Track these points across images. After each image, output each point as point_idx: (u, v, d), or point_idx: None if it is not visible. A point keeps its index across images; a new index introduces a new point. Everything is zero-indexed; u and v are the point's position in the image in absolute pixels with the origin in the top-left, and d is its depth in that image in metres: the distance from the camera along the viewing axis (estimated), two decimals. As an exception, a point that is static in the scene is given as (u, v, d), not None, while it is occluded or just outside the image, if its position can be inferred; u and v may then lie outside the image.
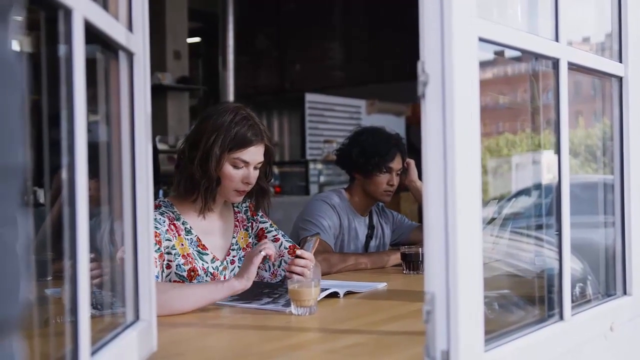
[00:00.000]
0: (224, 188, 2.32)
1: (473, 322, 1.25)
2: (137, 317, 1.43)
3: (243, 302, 2.10)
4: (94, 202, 1.24)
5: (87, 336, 1.05)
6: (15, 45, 0.64)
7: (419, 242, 3.08)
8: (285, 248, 2.46)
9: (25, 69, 0.64)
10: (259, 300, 2.13)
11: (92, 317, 1.10)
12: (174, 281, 2.25)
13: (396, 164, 3.14)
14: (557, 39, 1.59)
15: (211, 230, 2.39)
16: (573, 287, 1.69)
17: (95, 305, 1.39)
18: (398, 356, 1.57)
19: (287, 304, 2.01)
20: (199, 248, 2.32)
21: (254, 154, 2.30)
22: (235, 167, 2.28)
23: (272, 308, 2.04)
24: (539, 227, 1.98)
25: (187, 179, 2.30)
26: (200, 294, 2.03)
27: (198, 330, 1.88)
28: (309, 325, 1.89)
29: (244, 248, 2.46)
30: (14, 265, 0.62)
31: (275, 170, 7.76)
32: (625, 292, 1.90)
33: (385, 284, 2.50)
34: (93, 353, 1.11)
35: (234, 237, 2.45)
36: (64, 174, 1.03)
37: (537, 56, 1.64)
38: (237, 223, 2.48)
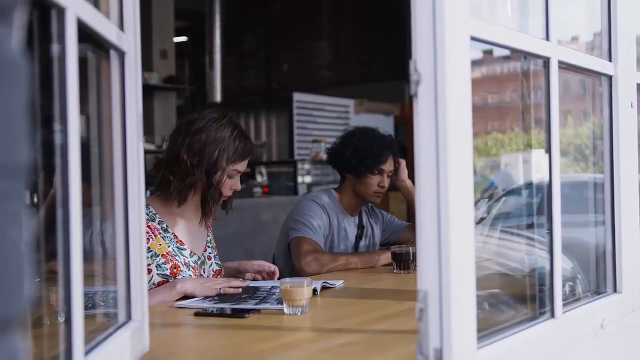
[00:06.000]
0: None
1: (466, 319, 1.26)
2: (129, 317, 1.43)
3: (233, 304, 2.09)
4: (84, 202, 1.24)
5: (80, 336, 1.05)
6: (19, 44, 0.63)
7: (409, 242, 3.08)
8: (213, 271, 2.55)
9: (28, 68, 0.64)
10: (246, 302, 2.11)
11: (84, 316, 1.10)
12: (158, 283, 2.28)
13: (388, 166, 3.14)
14: (547, 38, 1.59)
15: (188, 229, 2.48)
16: (563, 285, 1.70)
17: (87, 305, 1.38)
18: (390, 355, 1.58)
19: (280, 302, 2.01)
20: (177, 244, 2.41)
21: (246, 164, 2.48)
22: (230, 177, 2.42)
23: (269, 307, 2.03)
24: (529, 226, 1.99)
25: (189, 187, 2.38)
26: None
27: (190, 330, 1.88)
28: (301, 324, 1.89)
29: (215, 247, 2.60)
30: (19, 263, 0.62)
31: (263, 170, 7.75)
32: (615, 290, 1.91)
33: (342, 281, 2.51)
34: (86, 353, 1.11)
35: (208, 236, 2.58)
36: (57, 175, 1.03)
37: (528, 55, 1.64)
38: (209, 224, 2.60)
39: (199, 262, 2.46)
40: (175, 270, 2.34)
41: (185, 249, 2.43)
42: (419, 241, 1.24)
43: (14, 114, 0.61)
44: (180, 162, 2.35)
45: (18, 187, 0.63)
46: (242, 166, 2.44)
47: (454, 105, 1.22)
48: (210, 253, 2.55)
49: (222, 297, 2.19)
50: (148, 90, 7.56)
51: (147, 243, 2.30)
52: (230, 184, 2.43)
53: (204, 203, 2.42)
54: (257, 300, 2.13)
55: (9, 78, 0.60)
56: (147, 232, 2.31)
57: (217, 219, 2.57)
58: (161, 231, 2.38)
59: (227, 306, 2.06)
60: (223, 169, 2.38)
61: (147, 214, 2.36)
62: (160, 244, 2.36)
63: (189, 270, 2.39)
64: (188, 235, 2.47)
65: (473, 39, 1.31)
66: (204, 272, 2.48)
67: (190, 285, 2.21)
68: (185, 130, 2.39)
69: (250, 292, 2.27)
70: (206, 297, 2.19)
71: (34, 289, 0.66)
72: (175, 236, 2.42)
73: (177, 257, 2.37)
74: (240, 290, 2.26)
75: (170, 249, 2.37)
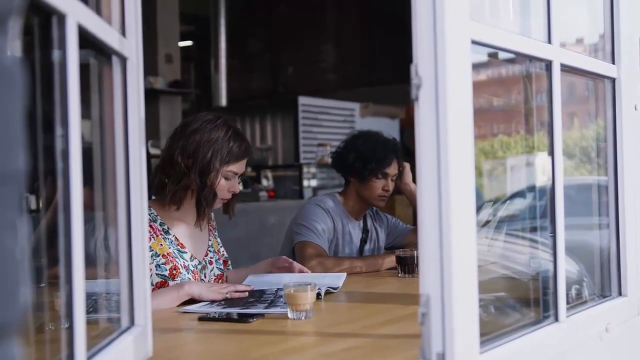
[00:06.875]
0: None
1: (468, 323, 1.25)
2: (132, 322, 1.43)
3: (242, 308, 2.08)
4: (87, 208, 1.24)
5: (83, 341, 1.05)
6: (15, 51, 0.64)
7: (414, 245, 3.08)
8: (214, 275, 2.56)
9: (24, 75, 0.65)
10: (254, 307, 2.11)
11: (87, 322, 1.10)
12: (157, 283, 2.32)
13: (392, 170, 3.14)
14: (549, 41, 1.59)
15: (189, 233, 2.49)
16: (569, 289, 1.70)
17: (89, 310, 1.38)
18: (394, 359, 1.57)
19: (286, 306, 2.00)
20: (178, 247, 2.42)
21: (243, 166, 2.47)
22: (226, 178, 2.42)
23: (278, 311, 2.03)
24: (534, 229, 1.99)
25: (184, 189, 2.38)
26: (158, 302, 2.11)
27: (193, 335, 1.88)
28: (305, 329, 1.88)
29: (217, 251, 2.59)
30: (14, 269, 0.63)
31: (269, 174, 7.74)
32: (620, 293, 1.90)
33: (344, 274, 2.54)
34: (89, 358, 1.11)
35: (209, 240, 2.57)
36: (59, 180, 1.03)
37: (530, 58, 1.64)
38: (210, 228, 2.61)
39: (199, 266, 2.46)
40: (174, 272, 2.35)
41: (186, 253, 2.43)
42: (420, 245, 1.24)
43: (11, 121, 0.61)
44: (175, 164, 2.36)
45: (15, 194, 0.63)
46: (238, 167, 2.43)
47: (454, 109, 1.22)
48: (211, 258, 2.55)
49: (229, 301, 2.19)
50: (153, 95, 7.58)
51: (148, 242, 2.30)
52: (228, 186, 2.42)
53: (198, 205, 2.42)
54: (266, 304, 2.12)
55: (5, 85, 0.61)
56: (149, 232, 2.31)
57: (211, 220, 2.59)
58: (162, 232, 2.39)
59: (235, 311, 2.06)
60: (217, 170, 2.37)
61: (149, 215, 2.36)
62: (161, 244, 2.36)
63: (188, 273, 2.39)
64: (189, 239, 2.47)
65: (474, 42, 1.30)
66: (205, 277, 2.48)
67: (197, 289, 2.21)
68: (180, 133, 2.42)
69: (257, 296, 2.26)
70: (213, 302, 2.19)
71: (30, 295, 0.66)
72: (177, 239, 2.42)
73: (177, 259, 2.38)
74: (247, 294, 2.26)
75: (170, 251, 2.38)
